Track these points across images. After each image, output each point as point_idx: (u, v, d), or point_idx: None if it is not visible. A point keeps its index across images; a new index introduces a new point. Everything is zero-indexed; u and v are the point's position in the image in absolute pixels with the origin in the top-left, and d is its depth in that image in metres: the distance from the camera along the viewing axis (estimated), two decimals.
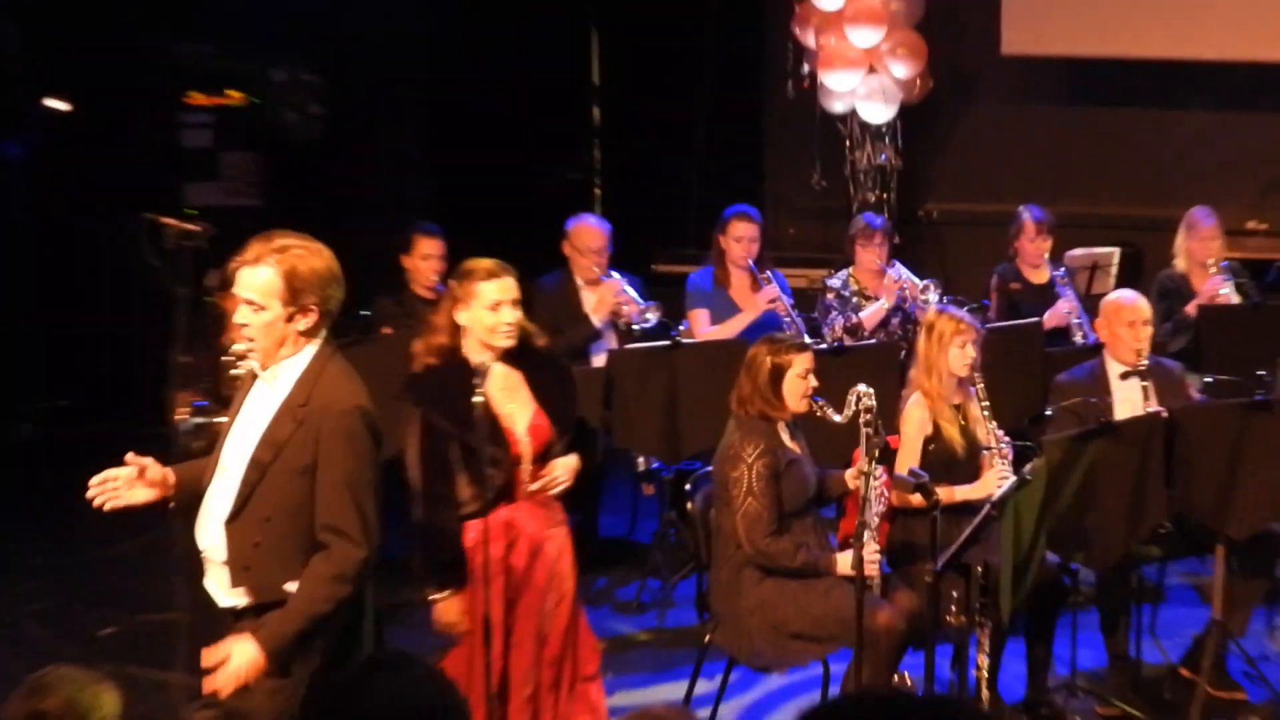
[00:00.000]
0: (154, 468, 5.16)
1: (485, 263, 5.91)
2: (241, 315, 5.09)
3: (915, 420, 7.14)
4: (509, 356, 5.90)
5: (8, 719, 4.04)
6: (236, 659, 5.02)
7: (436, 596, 5.82)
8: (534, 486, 5.95)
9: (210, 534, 5.15)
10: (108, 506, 5.16)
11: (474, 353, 5.80)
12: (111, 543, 8.58)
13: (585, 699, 6.16)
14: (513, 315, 5.85)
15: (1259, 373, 7.73)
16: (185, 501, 5.26)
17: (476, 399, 5.56)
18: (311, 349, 5.17)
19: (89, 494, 5.15)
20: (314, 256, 5.14)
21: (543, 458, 5.94)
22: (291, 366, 5.16)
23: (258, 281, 5.04)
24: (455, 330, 5.85)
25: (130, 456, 5.18)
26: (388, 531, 6.78)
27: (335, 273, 5.18)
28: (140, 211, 7.98)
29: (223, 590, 5.17)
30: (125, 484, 5.14)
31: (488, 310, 5.80)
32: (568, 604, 6.10)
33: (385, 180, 12.16)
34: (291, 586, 5.07)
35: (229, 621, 5.15)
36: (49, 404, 11.27)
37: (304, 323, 5.10)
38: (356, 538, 5.10)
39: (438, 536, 5.78)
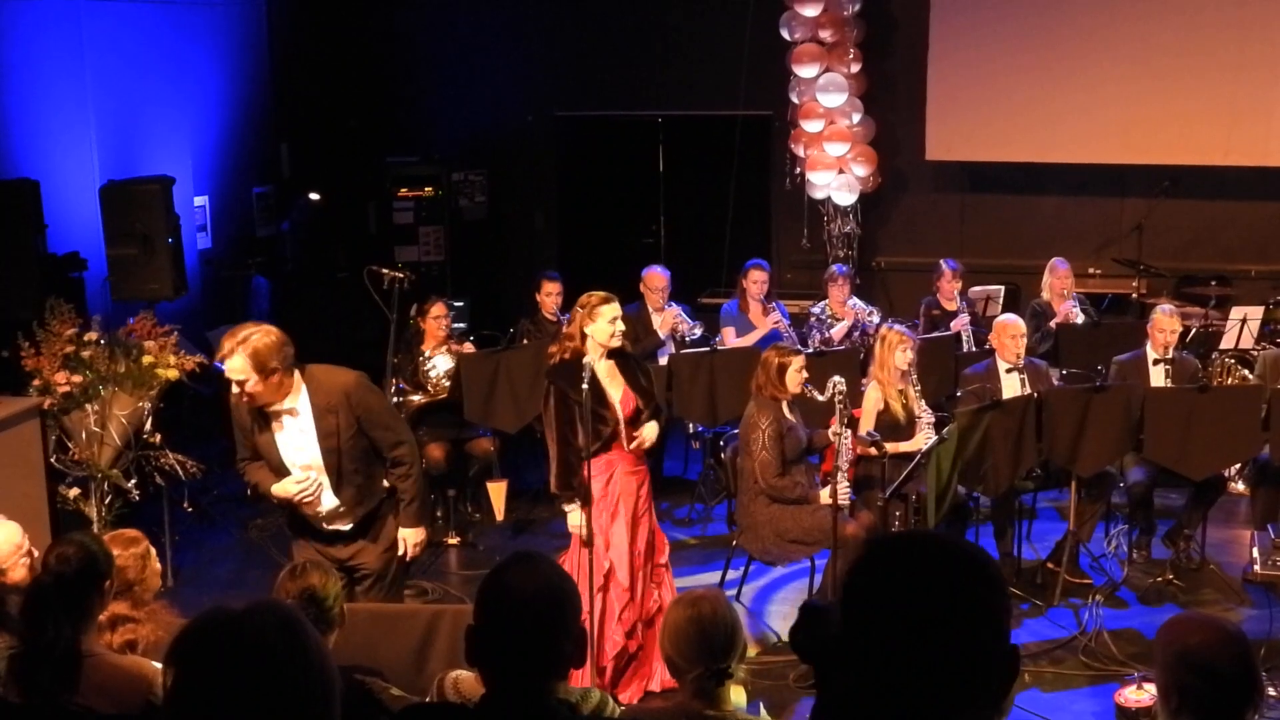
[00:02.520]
0: None
1: (603, 294, 5.86)
2: (236, 389, 4.97)
3: (872, 399, 7.08)
4: (611, 355, 5.84)
5: (281, 589, 4.00)
6: (413, 538, 5.35)
7: (568, 508, 5.78)
8: (630, 446, 5.88)
9: (325, 503, 5.20)
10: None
11: (591, 352, 5.74)
12: None
13: (659, 577, 6.10)
14: (621, 327, 5.83)
15: (1098, 368, 7.62)
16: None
17: (584, 386, 5.53)
18: (296, 378, 5.06)
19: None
20: (265, 335, 4.95)
21: (633, 421, 5.85)
22: (297, 395, 5.06)
23: (236, 367, 4.90)
24: (583, 338, 5.79)
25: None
26: (527, 469, 6.69)
27: (282, 338, 4.99)
28: (367, 265, 7.98)
29: (346, 522, 5.26)
30: None
31: (608, 324, 5.76)
32: (648, 517, 6.04)
33: (524, 243, 12.14)
34: (384, 484, 5.30)
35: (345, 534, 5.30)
36: None
37: (278, 376, 4.96)
38: (409, 440, 5.33)
39: (567, 469, 5.74)
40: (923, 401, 7.16)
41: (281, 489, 5.14)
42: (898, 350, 7.04)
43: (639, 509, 5.97)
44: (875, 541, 1.86)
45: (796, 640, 2.11)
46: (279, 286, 10.76)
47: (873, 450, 6.72)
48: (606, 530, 5.86)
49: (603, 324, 5.76)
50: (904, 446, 6.92)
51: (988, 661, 1.74)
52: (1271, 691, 5.55)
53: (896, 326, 7.32)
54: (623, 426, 5.86)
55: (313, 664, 1.80)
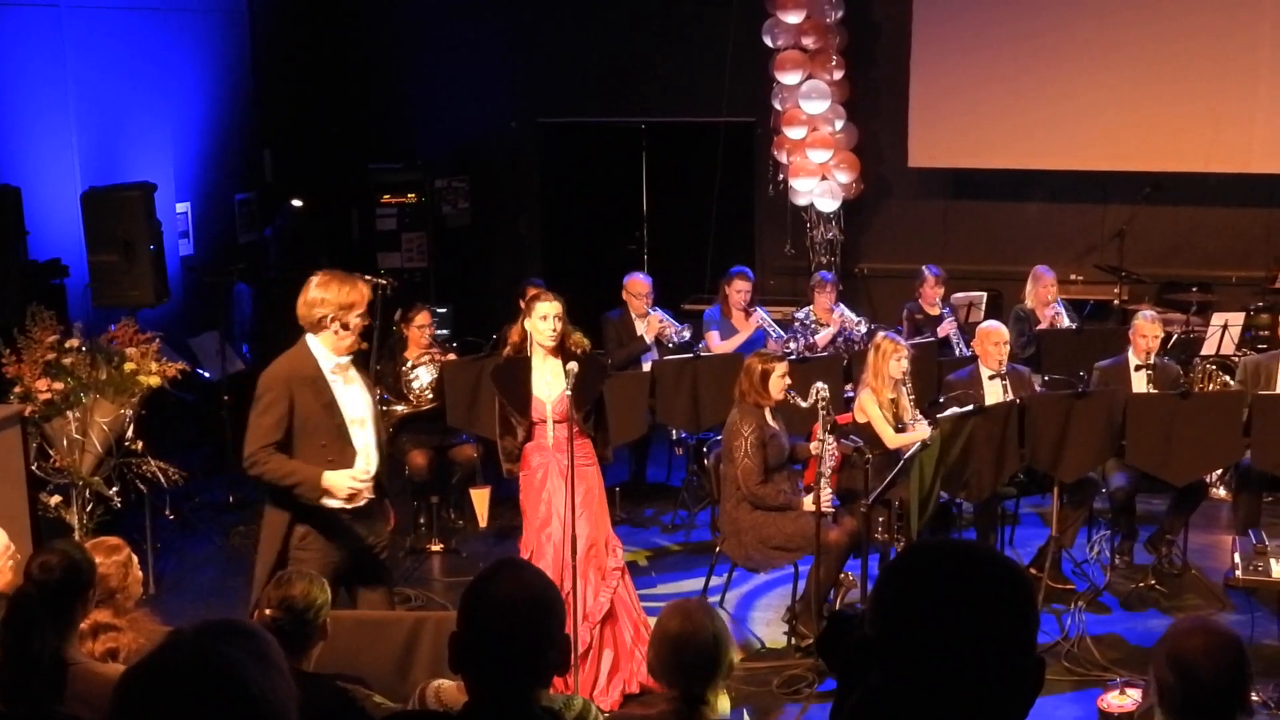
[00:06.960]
0: None
1: (543, 291, 6.03)
2: (358, 322, 5.19)
3: (873, 407, 7.15)
4: (565, 356, 5.86)
5: (265, 600, 4.01)
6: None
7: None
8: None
9: (372, 460, 5.28)
10: None
11: (535, 350, 5.91)
12: None
13: (610, 579, 6.03)
14: (552, 325, 5.87)
15: (1080, 374, 7.65)
16: None
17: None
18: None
19: None
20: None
21: (565, 423, 5.82)
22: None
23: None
24: (525, 334, 5.92)
25: None
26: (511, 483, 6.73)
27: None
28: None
29: (372, 490, 5.25)
30: None
31: (540, 320, 5.86)
32: (592, 512, 5.99)
33: (508, 250, 12.14)
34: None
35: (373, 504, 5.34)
36: None
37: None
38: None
39: (506, 456, 6.07)
40: (916, 410, 7.20)
41: (338, 479, 5.01)
42: (892, 359, 7.08)
43: (588, 504, 5.93)
44: (915, 548, 1.89)
45: (825, 648, 2.12)
46: (261, 293, 10.73)
47: (908, 439, 6.80)
48: (537, 517, 5.98)
49: (535, 320, 5.88)
50: (904, 438, 6.97)
51: (1017, 671, 1.79)
52: (1255, 697, 5.58)
53: (893, 336, 7.36)
54: (550, 428, 5.91)
55: (270, 691, 1.73)
